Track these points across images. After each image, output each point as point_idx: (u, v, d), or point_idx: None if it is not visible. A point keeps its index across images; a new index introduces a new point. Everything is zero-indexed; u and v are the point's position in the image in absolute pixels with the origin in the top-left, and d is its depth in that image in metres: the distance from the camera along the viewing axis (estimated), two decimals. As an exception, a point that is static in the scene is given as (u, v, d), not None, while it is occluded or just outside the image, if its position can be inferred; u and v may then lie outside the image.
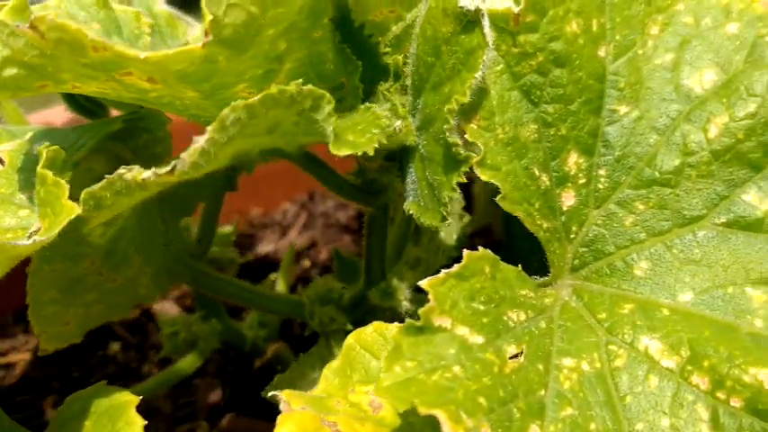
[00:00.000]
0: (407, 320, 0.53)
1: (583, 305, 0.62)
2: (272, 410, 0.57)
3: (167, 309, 1.22)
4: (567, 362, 0.57)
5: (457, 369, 0.53)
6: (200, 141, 0.50)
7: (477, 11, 0.57)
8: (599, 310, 0.61)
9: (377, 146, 0.57)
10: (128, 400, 0.67)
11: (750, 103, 0.60)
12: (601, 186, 0.63)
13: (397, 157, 0.69)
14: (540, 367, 0.56)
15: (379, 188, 0.71)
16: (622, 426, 0.54)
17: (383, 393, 0.51)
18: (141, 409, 1.09)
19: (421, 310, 0.53)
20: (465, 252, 0.57)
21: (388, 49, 0.66)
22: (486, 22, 0.58)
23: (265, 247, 1.37)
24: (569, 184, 0.63)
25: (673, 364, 0.56)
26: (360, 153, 0.56)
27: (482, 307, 0.56)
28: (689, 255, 0.61)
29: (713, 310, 0.59)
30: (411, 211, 0.65)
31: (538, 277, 0.65)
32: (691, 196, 0.61)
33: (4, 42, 0.55)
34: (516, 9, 0.60)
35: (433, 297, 0.54)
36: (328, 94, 0.55)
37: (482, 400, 0.51)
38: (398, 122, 0.62)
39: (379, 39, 0.66)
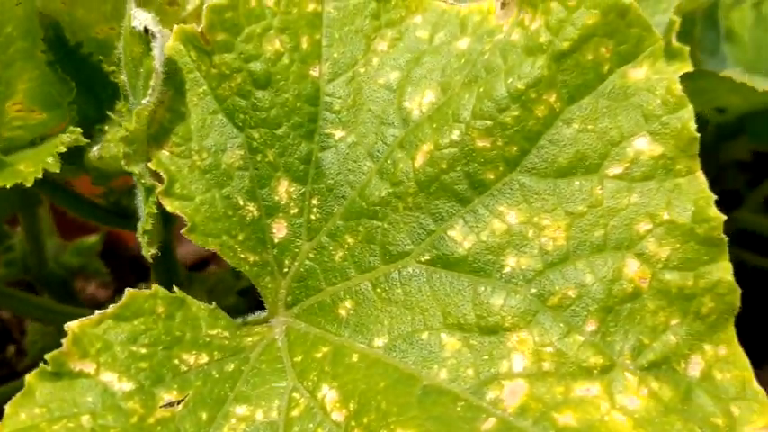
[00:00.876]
0: (41, 365, 0.51)
1: (287, 346, 0.58)
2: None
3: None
4: (240, 410, 0.53)
5: (85, 419, 0.50)
6: None
7: (147, 31, 0.54)
8: (298, 353, 0.57)
9: (40, 176, 0.55)
10: None
11: (454, 129, 0.55)
12: (313, 217, 0.59)
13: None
14: (204, 416, 0.53)
15: (129, 211, 0.68)
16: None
17: (-10, 443, 0.48)
18: None
19: (49, 355, 0.50)
20: (127, 290, 0.54)
21: (113, 68, 0.63)
22: (157, 44, 0.54)
23: (181, 251, 1.36)
24: (281, 215, 0.59)
25: (341, 417, 0.52)
26: (9, 185, 0.53)
27: (144, 350, 0.53)
28: (391, 295, 0.56)
29: (404, 357, 0.54)
30: (139, 240, 0.62)
31: (259, 313, 0.61)
32: (397, 230, 0.56)
33: None
34: (199, 27, 0.56)
35: (70, 340, 0.51)
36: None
37: (98, 454, 0.48)
38: (96, 148, 0.59)
39: (101, 57, 0.63)
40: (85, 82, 0.63)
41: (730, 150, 1.12)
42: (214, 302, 0.58)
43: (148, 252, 0.59)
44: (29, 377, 0.50)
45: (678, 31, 0.68)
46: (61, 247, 1.07)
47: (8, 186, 0.53)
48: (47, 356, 0.50)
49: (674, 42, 0.59)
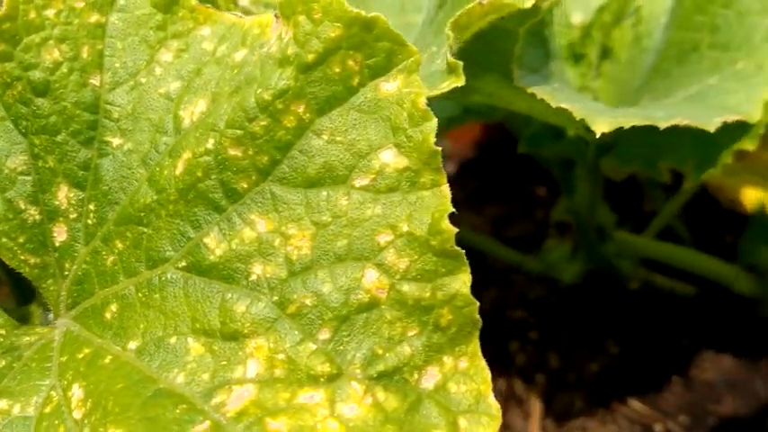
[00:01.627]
0: None
1: (60, 346, 0.59)
2: None
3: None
4: (1, 404, 0.55)
5: None
6: None
7: None
8: (66, 353, 0.58)
9: None
10: None
11: (210, 138, 0.56)
12: (90, 222, 0.60)
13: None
14: (-41, 410, 0.54)
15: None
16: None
17: None
18: None
19: None
20: None
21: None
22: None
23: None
24: (61, 219, 0.61)
25: (80, 415, 0.53)
26: None
27: None
28: (150, 300, 0.57)
29: (151, 361, 0.55)
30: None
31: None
32: (160, 236, 0.58)
33: None
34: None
35: None
36: None
37: None
38: None
39: None
40: None
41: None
42: None
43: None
44: None
45: (496, 48, 0.69)
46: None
47: None
48: None
49: (450, 58, 0.60)
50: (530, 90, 0.69)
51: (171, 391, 0.53)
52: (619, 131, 0.83)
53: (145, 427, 0.49)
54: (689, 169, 0.83)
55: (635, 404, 1.09)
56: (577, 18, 0.93)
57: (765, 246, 1.07)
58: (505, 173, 1.46)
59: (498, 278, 1.29)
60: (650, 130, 0.78)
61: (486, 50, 0.72)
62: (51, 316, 0.63)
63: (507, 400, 1.11)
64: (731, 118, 0.69)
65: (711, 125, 0.69)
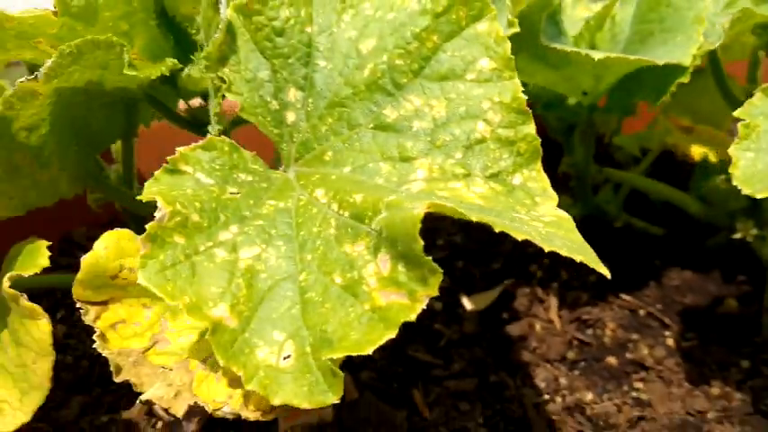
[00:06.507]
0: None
1: (296, 176, 1.11)
2: None
3: None
4: (272, 201, 1.06)
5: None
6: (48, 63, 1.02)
7: (218, 2, 1.09)
8: (302, 179, 1.10)
9: (158, 74, 1.09)
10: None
11: (384, 55, 1.10)
12: (309, 109, 1.13)
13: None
14: (251, 201, 1.05)
15: (201, 122, 1.22)
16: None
17: None
18: None
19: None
20: (209, 137, 1.07)
21: (193, 31, 1.18)
22: (222, 7, 1.09)
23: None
24: (291, 108, 1.13)
25: (325, 199, 1.04)
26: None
27: (218, 166, 1.06)
28: (353, 146, 1.09)
29: (361, 174, 1.07)
30: (212, 120, 1.15)
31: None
32: (355, 112, 1.10)
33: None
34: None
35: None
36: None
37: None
38: (185, 71, 1.14)
39: (187, 24, 1.19)
40: (178, 41, 1.18)
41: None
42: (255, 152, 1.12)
43: (214, 129, 1.12)
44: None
45: (526, 23, 1.25)
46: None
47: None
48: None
49: (510, 16, 1.16)
50: (551, 45, 1.24)
51: (377, 185, 1.04)
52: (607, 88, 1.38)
53: (371, 191, 1.00)
54: (651, 99, 1.39)
55: (625, 297, 1.62)
56: (571, 31, 1.50)
57: (705, 182, 1.63)
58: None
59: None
60: (625, 79, 1.36)
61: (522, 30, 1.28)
62: (283, 168, 1.14)
63: (532, 300, 1.63)
64: (672, 60, 1.26)
65: (660, 60, 1.25)
